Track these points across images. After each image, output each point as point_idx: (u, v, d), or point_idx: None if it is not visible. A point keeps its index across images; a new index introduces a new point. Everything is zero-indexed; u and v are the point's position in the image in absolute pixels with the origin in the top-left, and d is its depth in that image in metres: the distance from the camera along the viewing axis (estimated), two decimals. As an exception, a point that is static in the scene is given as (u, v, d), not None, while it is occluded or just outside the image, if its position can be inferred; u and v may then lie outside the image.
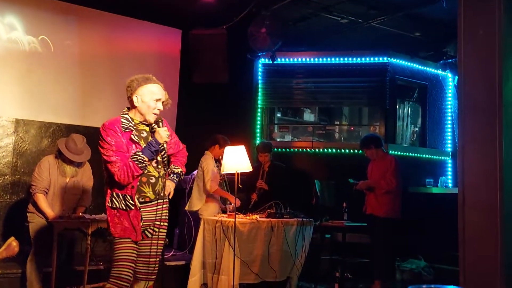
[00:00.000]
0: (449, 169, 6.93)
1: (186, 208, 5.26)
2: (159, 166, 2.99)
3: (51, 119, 5.73)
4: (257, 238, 4.60)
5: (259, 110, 6.84)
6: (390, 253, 5.03)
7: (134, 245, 2.88)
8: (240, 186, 4.84)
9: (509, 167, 3.21)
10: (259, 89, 6.84)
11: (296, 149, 6.72)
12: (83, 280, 4.18)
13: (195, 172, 6.01)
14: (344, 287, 4.97)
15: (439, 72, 7.02)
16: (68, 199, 4.36)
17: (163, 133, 2.92)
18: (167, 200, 3.05)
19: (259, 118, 6.83)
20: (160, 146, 2.92)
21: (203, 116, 6.61)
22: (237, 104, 6.74)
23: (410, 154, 6.71)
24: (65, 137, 4.50)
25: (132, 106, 2.98)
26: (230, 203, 5.00)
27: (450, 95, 7.09)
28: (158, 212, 2.96)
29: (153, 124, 2.96)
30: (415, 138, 7.09)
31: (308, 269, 4.96)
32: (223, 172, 4.78)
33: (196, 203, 5.15)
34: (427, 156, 6.86)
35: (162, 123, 2.98)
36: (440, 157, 6.97)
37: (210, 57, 6.34)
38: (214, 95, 6.68)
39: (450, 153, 6.98)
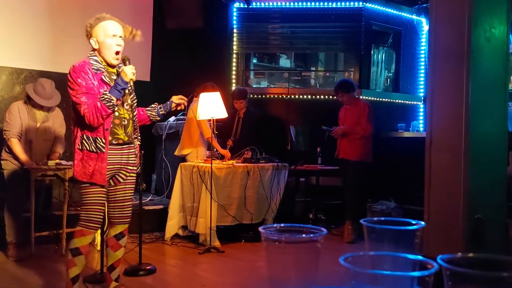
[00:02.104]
0: (421, 113, 7.10)
1: (176, 153, 5.31)
2: (130, 109, 2.97)
3: (23, 65, 5.59)
4: (234, 182, 4.73)
5: (234, 55, 6.78)
6: (361, 195, 5.23)
7: (103, 189, 2.88)
8: (216, 132, 4.91)
9: (475, 111, 3.34)
10: (234, 34, 6.75)
11: (272, 96, 6.75)
12: (62, 224, 4.26)
13: (171, 119, 6.04)
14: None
15: (414, 17, 7.02)
16: (40, 145, 4.35)
17: (128, 71, 2.83)
18: (136, 146, 3.04)
19: (234, 64, 6.78)
20: (127, 85, 2.85)
21: (178, 62, 6.53)
22: (212, 49, 6.65)
23: (384, 99, 6.82)
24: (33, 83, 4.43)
25: (94, 50, 2.90)
26: (217, 151, 5.07)
27: (424, 40, 7.13)
28: (125, 156, 2.96)
29: (120, 65, 2.91)
30: (388, 83, 7.18)
31: (283, 211, 5.15)
32: (198, 119, 4.82)
33: (185, 147, 5.21)
34: (400, 101, 6.99)
35: (129, 62, 2.89)
36: (412, 102, 7.11)
37: (184, 2, 6.18)
38: (189, 41, 6.57)
39: (422, 98, 7.12)
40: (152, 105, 3.23)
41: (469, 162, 3.26)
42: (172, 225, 4.81)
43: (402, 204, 6.05)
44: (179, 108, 3.26)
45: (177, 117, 6.01)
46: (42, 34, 5.67)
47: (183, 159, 5.24)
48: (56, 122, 4.45)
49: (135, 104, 3.03)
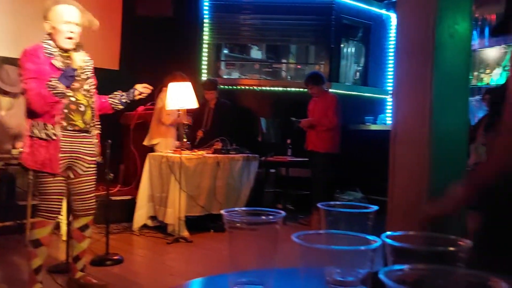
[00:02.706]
0: (388, 107, 7.25)
1: (145, 142, 5.29)
2: (88, 94, 2.89)
3: (-15, 52, 5.43)
4: (203, 173, 4.73)
5: (205, 46, 6.75)
6: (329, 186, 5.32)
7: (60, 178, 2.80)
8: (186, 122, 4.89)
9: (438, 105, 3.44)
10: (205, 24, 6.72)
11: (243, 87, 6.77)
12: (26, 214, 4.18)
13: (139, 109, 5.97)
14: (285, 217, 5.25)
15: (383, 12, 7.14)
16: (5, 133, 4.25)
17: (77, 58, 2.76)
18: (95, 135, 2.96)
19: (205, 54, 6.76)
20: (75, 71, 2.76)
21: (148, 51, 6.46)
22: (183, 39, 6.61)
23: (353, 92, 6.94)
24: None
25: (49, 34, 2.79)
26: (187, 141, 5.06)
27: (392, 35, 7.26)
28: (82, 145, 2.87)
29: (71, 51, 2.81)
30: (357, 77, 7.30)
31: (252, 201, 5.19)
32: (167, 109, 4.80)
33: (154, 137, 5.19)
34: (368, 94, 7.12)
35: (81, 49, 2.82)
36: (380, 96, 7.26)
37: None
38: (159, 30, 6.51)
39: (390, 92, 7.27)
40: (115, 93, 3.14)
41: (431, 154, 3.36)
42: (140, 215, 4.78)
43: (369, 194, 6.18)
44: (142, 96, 3.19)
45: (146, 107, 5.95)
46: (5, 19, 5.52)
47: (152, 149, 5.21)
48: (22, 110, 4.35)
49: (93, 89, 2.94)
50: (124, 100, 3.12)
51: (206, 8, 6.70)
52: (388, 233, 0.64)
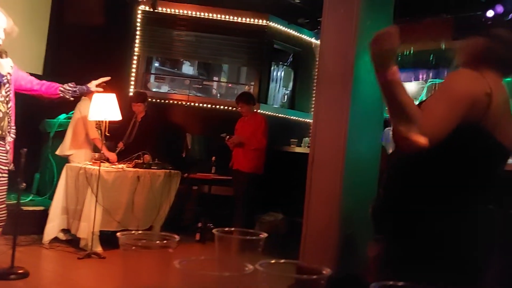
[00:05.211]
0: (312, 132, 7.53)
1: (58, 152, 5.07)
2: (5, 101, 2.82)
3: None
4: (122, 187, 4.63)
5: (135, 57, 6.67)
6: (250, 206, 5.40)
7: None
8: (108, 134, 4.78)
9: (353, 134, 3.65)
10: (137, 36, 6.64)
11: (171, 101, 6.73)
12: None
13: (61, 117, 5.77)
14: (205, 236, 5.25)
15: (313, 40, 7.46)
16: None
17: (5, 64, 2.76)
18: (8, 142, 2.88)
19: (134, 66, 6.66)
20: (3, 77, 2.74)
21: (75, 58, 6.25)
22: (112, 49, 6.47)
23: (280, 114, 7.14)
24: None
25: None
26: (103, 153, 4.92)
27: (320, 63, 7.59)
28: None
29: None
30: (285, 100, 7.53)
31: (172, 218, 5.14)
32: (90, 119, 4.67)
33: (69, 147, 4.99)
34: (294, 118, 7.35)
35: (6, 55, 2.80)
36: (305, 120, 7.52)
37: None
38: (88, 38, 6.34)
39: (315, 117, 7.56)
40: (70, 85, 3.16)
41: (344, 180, 3.56)
42: (52, 228, 4.56)
43: (290, 216, 6.32)
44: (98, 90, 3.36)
45: (68, 115, 5.75)
46: None
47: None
48: None
49: (10, 95, 2.87)
50: (75, 95, 3.22)
51: (139, 20, 6.64)
52: (262, 261, 0.70)
